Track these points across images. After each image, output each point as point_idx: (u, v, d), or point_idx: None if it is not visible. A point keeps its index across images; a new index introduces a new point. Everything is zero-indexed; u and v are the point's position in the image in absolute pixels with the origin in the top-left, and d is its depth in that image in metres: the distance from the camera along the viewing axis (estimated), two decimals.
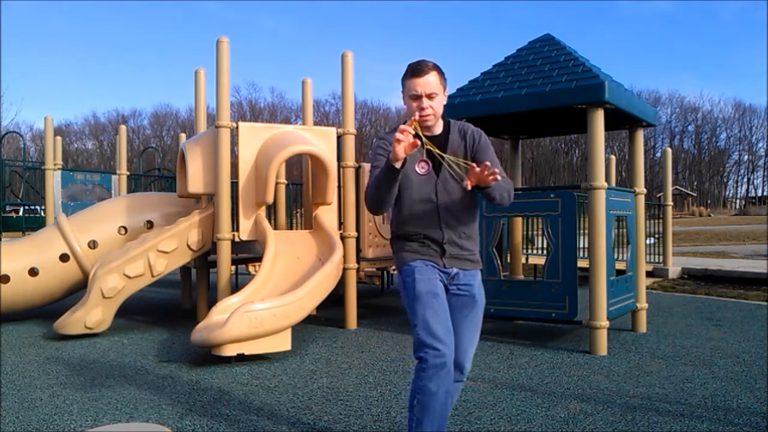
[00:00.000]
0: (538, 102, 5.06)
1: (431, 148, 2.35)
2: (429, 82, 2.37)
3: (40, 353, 4.96)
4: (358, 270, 6.38)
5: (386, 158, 2.21)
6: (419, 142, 2.18)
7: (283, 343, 4.70)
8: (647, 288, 6.65)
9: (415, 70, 2.37)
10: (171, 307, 7.61)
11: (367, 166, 6.87)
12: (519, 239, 6.98)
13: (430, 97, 2.38)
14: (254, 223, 5.70)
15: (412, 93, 2.38)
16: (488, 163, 2.17)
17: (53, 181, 9.16)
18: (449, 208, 2.45)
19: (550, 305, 5.03)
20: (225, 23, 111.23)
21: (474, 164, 2.21)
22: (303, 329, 5.77)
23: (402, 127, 2.15)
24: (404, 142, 2.13)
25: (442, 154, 2.38)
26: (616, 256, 5.55)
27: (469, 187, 2.21)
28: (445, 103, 2.47)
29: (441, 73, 2.42)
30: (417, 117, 2.33)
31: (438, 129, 2.50)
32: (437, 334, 2.30)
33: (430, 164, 2.44)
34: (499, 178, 2.17)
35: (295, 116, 67.31)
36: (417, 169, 2.43)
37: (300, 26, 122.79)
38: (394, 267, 8.09)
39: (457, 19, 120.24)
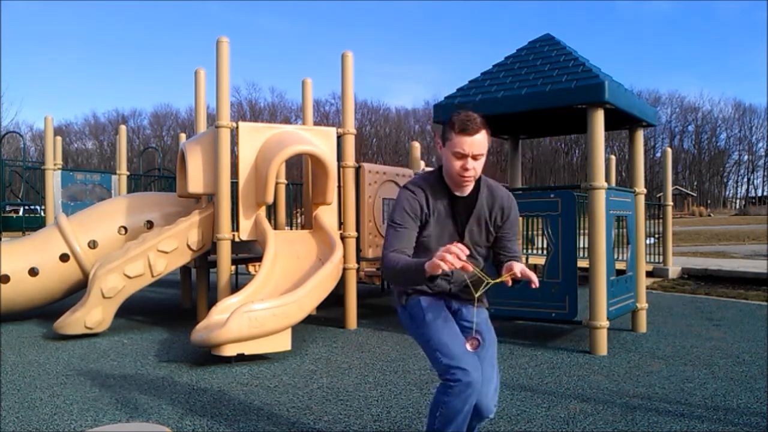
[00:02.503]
0: (538, 102, 5.06)
1: (476, 275, 2.16)
2: (479, 142, 2.20)
3: (40, 353, 4.96)
4: (358, 270, 6.38)
5: (422, 268, 2.00)
6: (470, 268, 1.97)
7: (283, 343, 4.70)
8: (647, 288, 6.65)
9: (465, 127, 2.18)
10: (171, 307, 7.61)
11: (367, 166, 6.87)
12: (519, 239, 6.98)
13: (475, 158, 2.21)
14: (254, 223, 5.70)
15: (458, 151, 2.19)
16: (528, 274, 2.11)
17: (53, 181, 9.16)
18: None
19: (550, 305, 5.03)
20: (225, 23, 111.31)
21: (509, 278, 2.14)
22: (303, 329, 5.77)
23: (455, 251, 1.90)
24: (449, 265, 1.91)
25: (493, 281, 2.18)
26: (616, 256, 5.55)
27: (509, 285, 2.17)
28: (483, 164, 2.29)
29: (489, 132, 2.26)
30: (461, 177, 2.22)
31: (468, 188, 2.33)
32: (459, 354, 2.21)
33: (480, 341, 2.29)
34: (535, 283, 2.13)
35: (295, 116, 67.31)
36: (467, 346, 2.26)
37: (300, 26, 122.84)
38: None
39: (457, 19, 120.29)
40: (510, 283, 2.14)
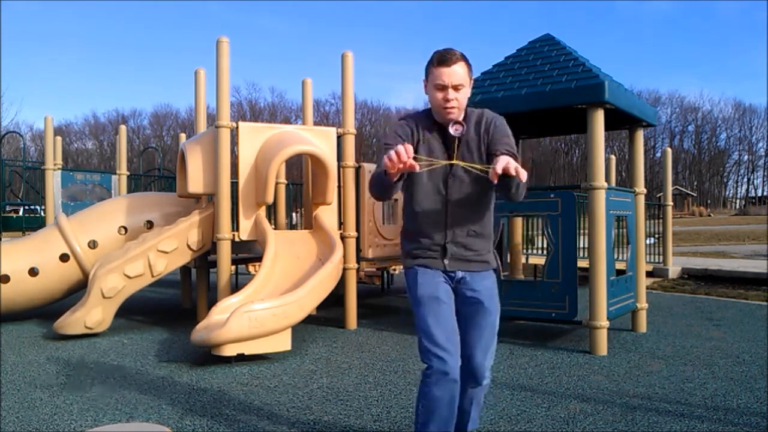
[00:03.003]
0: (538, 102, 5.06)
1: (436, 163, 2.23)
2: (457, 72, 2.24)
3: (40, 353, 4.96)
4: (358, 270, 6.38)
5: (383, 163, 2.06)
6: (417, 166, 2.02)
7: (283, 343, 4.70)
8: (647, 288, 6.65)
9: (443, 58, 2.24)
10: (171, 307, 7.61)
11: (366, 166, 6.87)
12: (519, 239, 6.99)
13: (456, 88, 2.26)
14: (254, 223, 5.70)
15: (438, 83, 2.25)
16: (510, 165, 1.99)
17: (53, 181, 9.16)
18: (459, 202, 2.34)
19: (550, 305, 5.03)
20: (225, 23, 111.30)
21: (494, 168, 2.03)
22: (303, 329, 5.77)
23: (398, 150, 1.94)
24: (397, 164, 1.95)
25: (461, 164, 2.25)
26: (616, 256, 5.54)
27: (495, 181, 2.04)
28: (469, 95, 2.34)
29: (468, 63, 2.30)
30: (445, 109, 2.24)
31: (459, 118, 2.36)
32: (439, 341, 2.24)
33: (464, 126, 2.27)
34: (523, 178, 2.02)
35: (295, 116, 67.31)
36: (451, 131, 2.27)
37: (300, 26, 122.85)
38: (394, 267, 8.09)
39: (457, 19, 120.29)
40: (495, 180, 2.02)
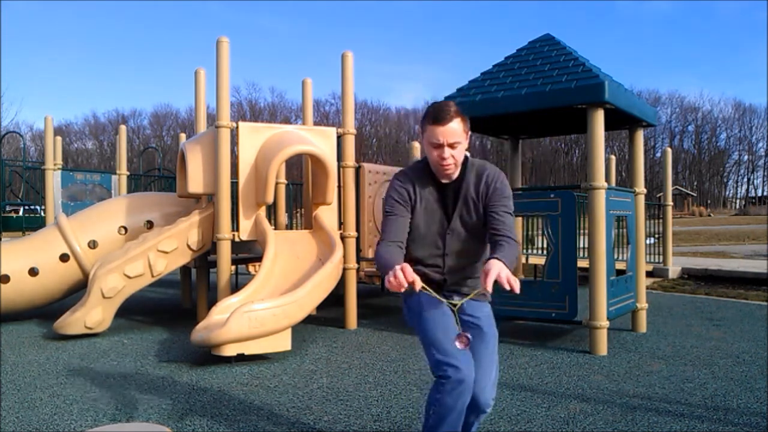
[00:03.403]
0: (538, 102, 5.06)
1: (433, 295, 2.20)
2: (452, 130, 2.23)
3: (40, 353, 4.96)
4: (358, 270, 6.38)
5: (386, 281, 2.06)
6: (417, 286, 2.05)
7: (283, 343, 4.70)
8: (647, 288, 6.65)
9: (438, 116, 2.23)
10: (171, 307, 7.61)
11: (366, 166, 6.87)
12: (519, 239, 6.97)
13: (452, 146, 2.25)
14: (254, 223, 5.70)
15: (433, 141, 2.26)
16: (502, 277, 1.99)
17: (53, 181, 9.16)
18: (456, 253, 2.38)
19: (550, 305, 5.03)
20: (225, 23, 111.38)
21: (485, 291, 2.05)
22: (303, 329, 5.77)
23: (398, 276, 1.98)
24: (398, 288, 2.00)
25: (454, 306, 2.23)
26: (616, 256, 5.55)
27: (489, 289, 2.05)
28: (466, 147, 2.34)
29: (464, 119, 2.30)
30: (441, 167, 2.27)
31: (455, 174, 2.38)
32: (452, 351, 2.22)
33: (470, 339, 2.20)
34: (516, 290, 2.00)
35: (295, 116, 67.31)
36: (456, 344, 2.20)
37: (300, 26, 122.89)
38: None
39: (457, 19, 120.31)
40: (489, 289, 2.04)
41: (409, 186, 2.39)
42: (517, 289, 2.00)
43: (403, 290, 2.02)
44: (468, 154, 2.41)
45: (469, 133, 2.37)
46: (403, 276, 1.99)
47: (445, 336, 2.27)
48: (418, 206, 2.38)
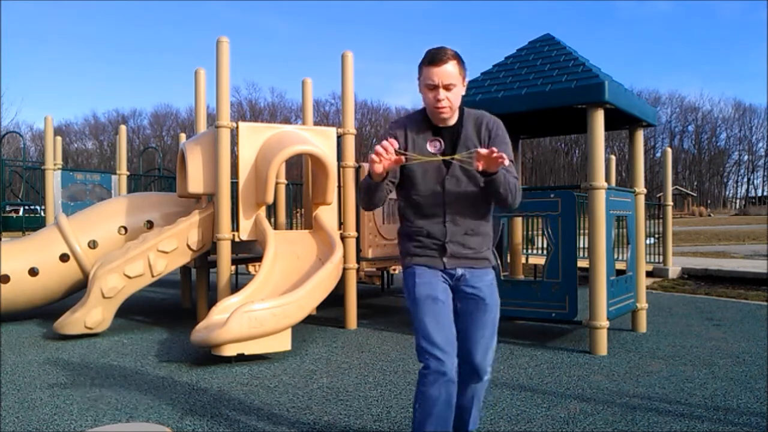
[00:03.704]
0: (538, 102, 5.06)
1: (430, 160, 2.23)
2: (447, 71, 2.21)
3: (40, 353, 4.96)
4: (358, 270, 6.38)
5: (370, 160, 2.11)
6: (403, 159, 2.07)
7: (283, 343, 4.70)
8: (647, 288, 6.65)
9: (434, 57, 2.21)
10: (171, 307, 7.61)
11: (366, 167, 6.87)
12: (519, 239, 6.98)
13: (447, 88, 2.22)
14: (254, 223, 5.70)
15: (429, 83, 2.23)
16: (495, 148, 2.06)
17: (53, 181, 9.16)
18: (457, 201, 2.32)
19: (550, 305, 5.03)
20: (225, 23, 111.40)
21: (480, 150, 2.09)
22: (303, 329, 5.77)
23: (384, 144, 2.02)
24: (384, 161, 2.02)
25: (446, 158, 2.25)
26: (616, 256, 5.54)
27: (480, 168, 2.09)
28: (463, 93, 2.31)
29: (461, 62, 2.27)
30: (437, 109, 2.23)
31: (452, 120, 2.34)
32: (436, 341, 2.23)
33: (442, 143, 2.28)
34: (506, 162, 2.07)
35: (295, 116, 67.31)
36: (428, 148, 2.26)
37: (300, 26, 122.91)
38: (393, 267, 8.09)
39: (457, 20, 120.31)
40: (480, 167, 2.11)
41: (400, 131, 2.35)
42: (506, 162, 2.09)
43: (388, 162, 2.04)
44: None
45: (467, 79, 2.34)
46: (390, 145, 2.02)
47: (433, 323, 2.26)
48: (417, 143, 2.32)
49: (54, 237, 6.29)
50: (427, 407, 2.26)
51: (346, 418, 3.31)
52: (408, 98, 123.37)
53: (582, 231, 6.15)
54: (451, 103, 2.26)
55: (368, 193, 2.25)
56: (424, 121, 2.37)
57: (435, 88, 2.23)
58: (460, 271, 2.38)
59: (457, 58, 2.26)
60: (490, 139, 2.34)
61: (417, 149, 2.32)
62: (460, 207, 2.34)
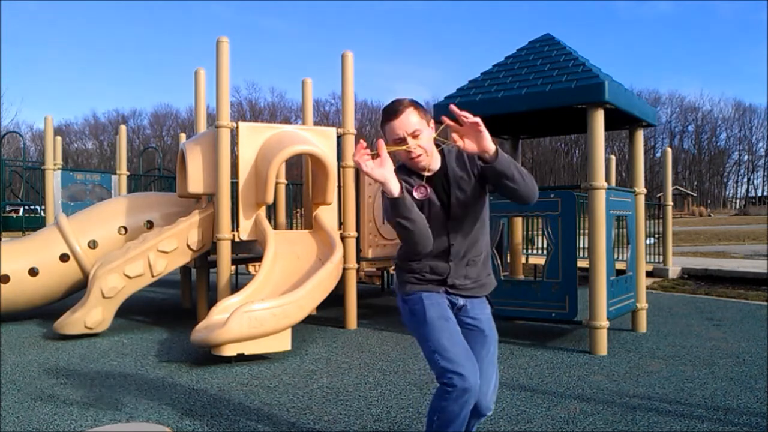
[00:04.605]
0: (538, 102, 5.06)
1: (399, 149, 2.19)
2: (408, 121, 2.18)
3: (40, 353, 4.96)
4: (358, 270, 6.38)
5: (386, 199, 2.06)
6: (382, 141, 2.05)
7: (283, 343, 4.70)
8: (647, 288, 6.65)
9: (389, 112, 2.20)
10: (171, 307, 7.61)
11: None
12: (519, 239, 6.98)
13: (414, 136, 2.19)
14: (254, 223, 5.70)
15: (395, 137, 2.20)
16: (464, 113, 1.99)
17: (53, 181, 9.16)
18: (461, 239, 2.32)
19: (550, 305, 5.03)
20: (225, 23, 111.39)
21: (446, 120, 2.04)
22: (303, 329, 5.77)
23: (357, 151, 1.98)
24: (366, 163, 1.97)
25: (409, 146, 2.20)
26: (616, 256, 5.55)
27: (470, 149, 2.03)
28: (433, 135, 2.26)
29: (419, 107, 2.24)
30: (412, 160, 2.19)
31: (436, 164, 2.29)
32: (458, 358, 2.19)
33: (428, 189, 2.22)
34: (482, 129, 1.99)
35: (295, 116, 67.31)
36: (415, 194, 2.19)
37: (300, 26, 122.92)
38: (393, 267, 8.08)
39: (457, 20, 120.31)
40: (470, 148, 2.04)
41: (408, 179, 2.29)
42: (477, 120, 1.99)
43: (380, 163, 2.01)
44: (444, 144, 2.31)
45: (432, 120, 2.29)
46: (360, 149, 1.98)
47: (450, 342, 2.23)
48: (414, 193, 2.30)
49: (54, 237, 6.29)
50: (446, 421, 2.22)
51: (346, 418, 3.31)
52: None
53: (582, 231, 6.15)
54: (424, 149, 2.22)
55: (401, 218, 2.10)
56: (414, 172, 2.32)
57: (402, 140, 2.20)
58: (461, 301, 2.38)
59: (414, 104, 2.23)
60: (477, 165, 2.29)
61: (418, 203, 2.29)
62: (462, 243, 2.34)
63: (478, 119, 2.00)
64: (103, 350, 5.07)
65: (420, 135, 2.21)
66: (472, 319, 2.38)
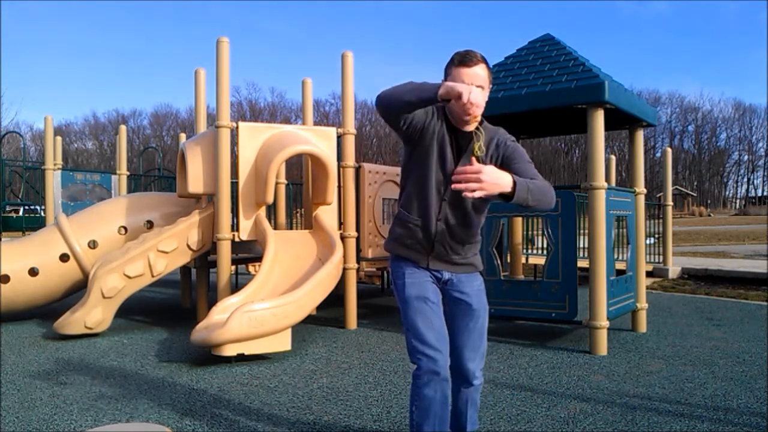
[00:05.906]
0: (538, 102, 5.06)
1: (476, 143, 2.23)
2: (477, 74, 2.21)
3: (40, 353, 4.96)
4: (358, 270, 6.38)
5: (437, 84, 2.03)
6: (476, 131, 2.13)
7: (283, 343, 4.70)
8: (647, 288, 6.65)
9: (464, 59, 2.20)
10: (171, 307, 7.61)
11: (366, 166, 6.87)
12: (519, 239, 6.99)
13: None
14: (254, 223, 5.70)
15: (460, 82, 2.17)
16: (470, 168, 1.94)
17: (53, 181, 9.16)
18: (455, 206, 2.30)
19: (550, 305, 5.03)
20: (225, 23, 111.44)
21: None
22: (303, 329, 5.77)
23: (477, 106, 2.01)
24: (471, 113, 2.03)
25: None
26: (616, 256, 5.54)
27: (479, 196, 1.95)
28: (486, 100, 2.25)
29: (489, 68, 2.27)
30: (465, 109, 2.08)
31: (471, 126, 2.30)
32: (428, 340, 2.24)
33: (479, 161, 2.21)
34: (475, 193, 1.90)
35: (295, 116, 67.32)
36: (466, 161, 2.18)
37: (300, 26, 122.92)
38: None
39: (457, 20, 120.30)
40: (480, 195, 1.93)
41: (440, 117, 2.29)
42: (473, 193, 1.91)
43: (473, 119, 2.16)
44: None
45: (491, 84, 2.32)
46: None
47: (425, 324, 2.27)
48: (430, 133, 2.26)
49: (54, 237, 6.29)
50: (424, 408, 2.26)
51: (346, 418, 3.31)
52: None
53: (582, 231, 6.15)
54: (480, 105, 2.18)
55: (409, 89, 2.08)
56: (446, 119, 2.30)
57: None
58: (447, 275, 2.38)
59: (485, 62, 2.26)
60: (501, 159, 2.28)
61: (440, 143, 2.27)
62: (455, 212, 2.32)
63: (472, 185, 1.90)
64: (103, 350, 5.07)
65: (482, 91, 2.21)
66: (460, 293, 2.40)
